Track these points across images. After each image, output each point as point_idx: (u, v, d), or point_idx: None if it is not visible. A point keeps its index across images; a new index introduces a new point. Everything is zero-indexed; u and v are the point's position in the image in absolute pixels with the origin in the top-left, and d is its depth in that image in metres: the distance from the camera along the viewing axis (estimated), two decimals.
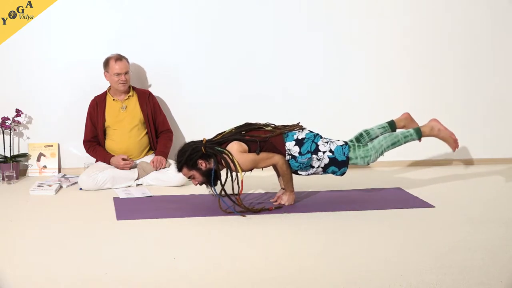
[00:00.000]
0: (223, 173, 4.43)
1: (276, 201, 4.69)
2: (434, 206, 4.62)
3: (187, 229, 4.07)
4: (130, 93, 5.45)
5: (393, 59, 6.11)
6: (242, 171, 4.34)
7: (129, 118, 5.40)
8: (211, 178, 4.37)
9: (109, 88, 5.45)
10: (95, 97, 5.45)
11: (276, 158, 4.47)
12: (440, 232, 3.99)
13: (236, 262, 3.47)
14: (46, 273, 3.28)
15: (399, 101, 6.14)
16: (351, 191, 5.13)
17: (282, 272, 3.32)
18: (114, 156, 5.28)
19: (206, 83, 5.87)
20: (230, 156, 4.34)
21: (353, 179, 5.55)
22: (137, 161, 5.36)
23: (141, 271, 3.32)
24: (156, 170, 5.26)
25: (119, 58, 5.34)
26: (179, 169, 4.42)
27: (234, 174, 4.39)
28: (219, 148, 4.40)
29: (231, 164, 4.33)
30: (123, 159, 5.23)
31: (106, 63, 5.36)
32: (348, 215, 4.40)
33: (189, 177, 4.46)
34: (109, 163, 5.27)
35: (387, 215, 4.40)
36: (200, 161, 4.36)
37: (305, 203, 4.74)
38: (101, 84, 5.50)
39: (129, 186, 5.18)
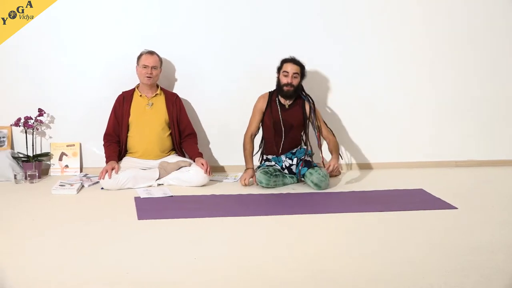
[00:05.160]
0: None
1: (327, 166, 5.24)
2: (456, 208, 4.59)
3: (208, 229, 4.07)
4: (158, 92, 5.49)
5: (416, 58, 6.10)
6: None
7: (154, 116, 5.43)
8: (297, 90, 5.39)
9: (138, 85, 5.50)
10: (123, 92, 5.50)
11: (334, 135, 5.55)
12: (462, 234, 3.96)
13: (257, 262, 3.47)
14: (68, 273, 3.30)
15: (423, 103, 6.16)
16: (372, 192, 5.12)
17: (303, 273, 3.31)
18: (113, 160, 5.24)
19: (229, 84, 5.88)
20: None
21: (374, 180, 5.55)
22: (159, 161, 5.39)
23: (162, 271, 3.33)
24: (209, 173, 5.24)
25: (151, 52, 5.43)
26: (298, 63, 5.38)
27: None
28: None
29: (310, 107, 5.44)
30: (112, 168, 5.11)
31: (139, 57, 5.44)
32: (369, 216, 4.38)
33: (294, 73, 5.33)
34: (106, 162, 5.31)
35: (408, 216, 4.39)
36: (305, 73, 5.46)
37: (326, 203, 4.74)
38: (124, 84, 5.54)
39: (150, 186, 5.18)
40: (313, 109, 5.44)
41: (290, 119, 5.41)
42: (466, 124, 6.21)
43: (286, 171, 5.40)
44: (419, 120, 6.15)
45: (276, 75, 5.45)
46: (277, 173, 5.26)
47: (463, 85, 6.17)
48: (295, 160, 5.39)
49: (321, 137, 5.50)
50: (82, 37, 5.68)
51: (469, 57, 6.14)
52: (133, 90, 5.51)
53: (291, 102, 5.43)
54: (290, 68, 5.35)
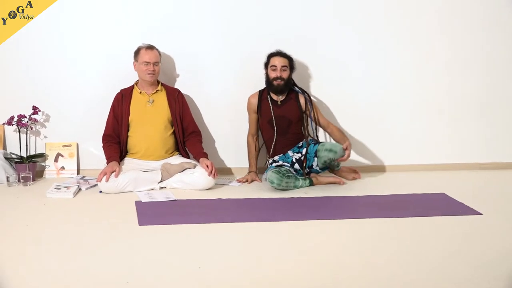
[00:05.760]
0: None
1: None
2: (481, 214, 4.57)
3: (214, 235, 4.06)
4: (159, 88, 5.49)
5: (432, 57, 6.10)
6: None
7: (156, 114, 5.43)
8: (288, 84, 5.51)
9: (137, 82, 5.50)
10: (121, 90, 5.50)
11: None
12: (487, 241, 3.95)
13: (267, 271, 3.46)
14: (63, 281, 3.30)
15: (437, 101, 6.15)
16: (390, 196, 5.11)
17: (316, 282, 3.30)
18: (115, 161, 5.25)
19: (235, 80, 5.89)
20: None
21: (392, 184, 5.54)
22: (161, 162, 5.39)
23: (164, 280, 3.32)
24: (214, 176, 5.22)
25: (150, 47, 5.41)
26: (286, 56, 5.50)
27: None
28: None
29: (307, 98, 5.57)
30: (112, 171, 5.11)
31: (137, 52, 5.42)
32: (387, 222, 4.37)
33: (283, 67, 5.44)
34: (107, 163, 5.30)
35: (429, 222, 4.37)
36: (294, 66, 5.57)
37: (340, 209, 4.75)
38: (124, 81, 5.55)
39: (152, 189, 5.19)
40: (309, 100, 5.57)
41: (286, 114, 5.52)
42: (492, 123, 6.19)
43: (296, 165, 5.44)
44: (440, 119, 6.14)
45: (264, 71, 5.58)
46: (289, 174, 5.27)
47: (488, 82, 6.14)
48: (304, 150, 5.44)
49: (318, 129, 5.65)
50: (80, 33, 5.68)
51: (494, 53, 6.11)
52: (132, 87, 5.51)
53: (283, 97, 5.55)
54: (278, 61, 5.47)
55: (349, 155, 5.37)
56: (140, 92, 5.45)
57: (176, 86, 5.74)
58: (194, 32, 5.79)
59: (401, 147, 6.11)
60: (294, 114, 5.51)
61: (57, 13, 5.62)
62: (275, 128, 5.51)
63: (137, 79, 5.51)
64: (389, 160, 6.10)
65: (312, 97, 5.75)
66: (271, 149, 5.55)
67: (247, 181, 5.52)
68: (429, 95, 6.10)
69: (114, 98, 5.48)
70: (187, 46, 5.80)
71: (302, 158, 5.43)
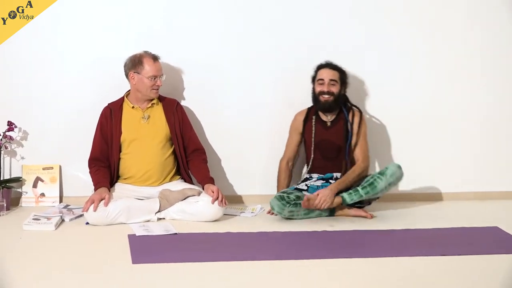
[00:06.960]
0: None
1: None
2: None
3: (221, 276, 4.02)
4: (154, 101, 5.45)
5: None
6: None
7: (152, 132, 5.40)
8: (339, 100, 5.46)
9: (128, 93, 5.47)
10: (108, 104, 5.47)
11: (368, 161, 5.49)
12: None
13: None
14: None
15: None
16: (434, 230, 5.10)
17: None
18: (104, 187, 5.19)
19: (250, 93, 5.92)
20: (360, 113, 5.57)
21: (434, 215, 5.56)
22: (159, 189, 5.34)
23: None
24: (223, 204, 5.18)
25: (156, 58, 5.39)
26: (336, 68, 5.49)
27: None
28: None
29: (358, 117, 5.51)
30: (101, 198, 5.08)
31: (138, 62, 5.35)
32: (429, 261, 4.33)
33: (331, 80, 5.42)
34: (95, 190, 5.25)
35: (480, 261, 4.33)
36: (347, 80, 5.53)
37: (373, 245, 4.73)
38: (113, 92, 5.55)
39: (148, 221, 5.17)
40: (360, 119, 5.52)
41: (334, 139, 5.49)
42: None
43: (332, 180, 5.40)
44: (493, 139, 6.13)
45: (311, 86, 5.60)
46: (297, 202, 5.21)
47: None
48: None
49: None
50: (63, 41, 5.75)
51: None
52: (121, 101, 5.46)
53: (333, 117, 5.52)
54: (326, 74, 5.46)
55: (317, 202, 5.18)
56: (133, 107, 5.40)
57: (175, 97, 5.69)
58: (205, 35, 5.84)
59: (447, 172, 6.09)
60: (344, 138, 5.47)
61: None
62: (322, 154, 5.51)
63: (128, 90, 5.46)
64: (430, 188, 6.05)
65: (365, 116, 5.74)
66: (314, 168, 5.55)
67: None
68: (480, 112, 6.10)
69: (101, 114, 5.45)
70: (196, 53, 5.84)
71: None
